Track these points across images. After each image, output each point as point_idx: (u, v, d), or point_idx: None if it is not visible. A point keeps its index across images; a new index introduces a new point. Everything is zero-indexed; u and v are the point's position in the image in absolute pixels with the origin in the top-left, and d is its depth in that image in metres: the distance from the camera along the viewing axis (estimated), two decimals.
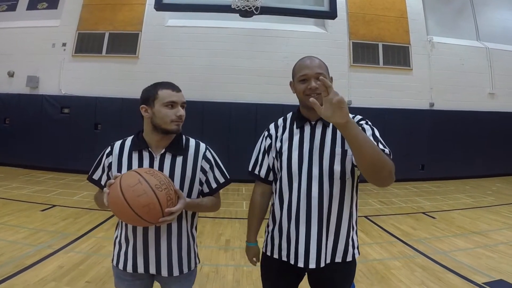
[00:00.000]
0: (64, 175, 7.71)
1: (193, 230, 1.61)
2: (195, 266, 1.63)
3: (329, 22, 8.74)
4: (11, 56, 8.88)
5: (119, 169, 1.49)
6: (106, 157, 1.54)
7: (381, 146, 1.33)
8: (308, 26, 9.04)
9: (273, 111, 8.46)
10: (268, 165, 1.59)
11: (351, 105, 8.52)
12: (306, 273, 1.55)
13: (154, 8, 5.85)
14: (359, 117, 1.48)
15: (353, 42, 9.06)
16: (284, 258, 1.49)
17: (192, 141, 1.58)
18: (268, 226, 1.62)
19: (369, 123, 1.47)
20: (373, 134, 1.40)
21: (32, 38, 8.85)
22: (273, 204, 1.59)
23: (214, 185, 1.57)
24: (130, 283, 1.55)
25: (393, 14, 9.28)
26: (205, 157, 1.55)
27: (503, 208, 6.10)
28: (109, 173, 1.52)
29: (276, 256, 1.53)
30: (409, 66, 9.20)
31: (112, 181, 1.30)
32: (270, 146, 1.57)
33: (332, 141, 1.44)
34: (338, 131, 1.40)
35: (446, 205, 6.34)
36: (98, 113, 8.37)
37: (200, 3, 5.68)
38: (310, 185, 1.43)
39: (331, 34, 9.04)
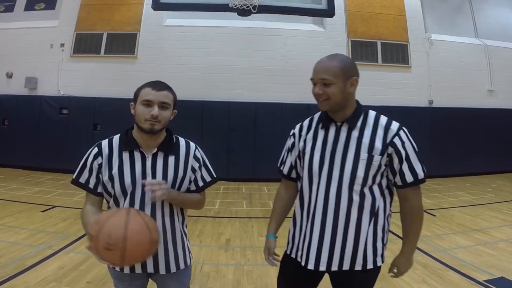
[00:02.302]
0: (64, 175, 7.68)
1: (184, 227, 1.62)
2: (190, 261, 1.65)
3: (327, 20, 8.73)
4: (9, 57, 8.85)
5: (110, 170, 1.45)
6: (95, 158, 1.49)
7: (409, 178, 1.50)
8: (306, 25, 9.01)
9: (272, 110, 8.43)
10: (291, 163, 1.61)
11: None
12: (322, 277, 1.54)
13: (152, 7, 5.84)
14: (395, 126, 1.42)
15: (351, 40, 9.04)
16: (299, 259, 1.48)
17: (182, 140, 1.58)
18: (291, 224, 1.62)
19: (408, 138, 1.43)
20: (406, 159, 1.41)
21: (30, 39, 8.82)
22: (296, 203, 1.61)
23: (201, 184, 1.59)
24: (129, 283, 1.56)
25: (391, 12, 9.26)
26: (195, 156, 1.56)
27: (503, 205, 6.10)
28: (99, 175, 1.48)
29: (293, 255, 1.53)
30: (408, 64, 9.19)
31: (96, 227, 1.18)
32: (293, 144, 1.59)
33: (358, 145, 1.38)
34: (364, 134, 1.38)
35: (446, 203, 6.34)
36: (97, 114, 8.35)
37: (197, 2, 5.67)
38: (329, 187, 1.40)
39: (330, 32, 9.02)
